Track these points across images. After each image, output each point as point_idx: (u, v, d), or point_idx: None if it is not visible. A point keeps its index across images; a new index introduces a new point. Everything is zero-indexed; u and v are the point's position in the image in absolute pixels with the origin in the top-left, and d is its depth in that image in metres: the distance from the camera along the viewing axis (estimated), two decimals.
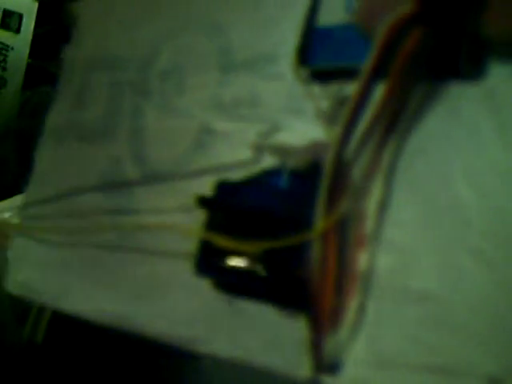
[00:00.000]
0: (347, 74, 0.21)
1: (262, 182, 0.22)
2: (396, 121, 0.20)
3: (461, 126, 0.19)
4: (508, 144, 0.18)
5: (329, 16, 0.22)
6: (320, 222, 0.19)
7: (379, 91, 0.20)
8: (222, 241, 0.21)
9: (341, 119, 0.20)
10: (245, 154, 0.22)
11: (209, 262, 0.22)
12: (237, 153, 0.23)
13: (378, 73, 0.20)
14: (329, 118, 0.21)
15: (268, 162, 0.22)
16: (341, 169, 0.20)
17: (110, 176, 0.26)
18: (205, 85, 0.24)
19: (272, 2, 0.24)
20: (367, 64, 0.20)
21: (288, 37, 0.23)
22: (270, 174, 0.22)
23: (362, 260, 0.19)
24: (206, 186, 0.23)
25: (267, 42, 0.23)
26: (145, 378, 0.41)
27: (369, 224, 0.19)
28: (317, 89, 0.22)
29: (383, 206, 0.19)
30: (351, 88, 0.20)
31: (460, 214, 0.19)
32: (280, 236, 0.20)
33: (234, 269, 0.21)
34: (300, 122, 0.22)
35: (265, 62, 0.23)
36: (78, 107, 0.28)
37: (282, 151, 0.22)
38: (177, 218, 0.23)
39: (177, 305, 0.22)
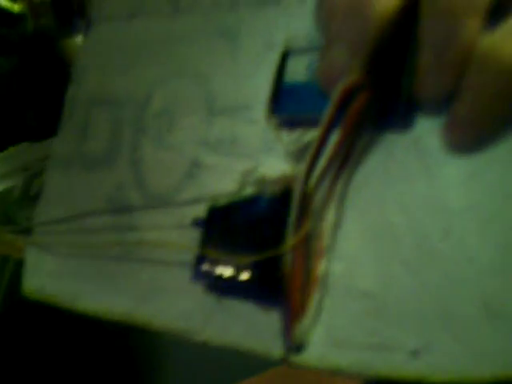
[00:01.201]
0: (309, 122, 0.27)
1: (245, 206, 0.27)
2: (347, 160, 0.26)
3: (395, 166, 0.25)
4: (430, 182, 0.25)
5: (294, 74, 0.28)
6: (290, 238, 0.25)
7: (334, 137, 0.26)
8: (215, 254, 0.27)
9: (306, 158, 0.26)
10: (228, 183, 0.28)
11: (202, 270, 0.27)
12: (221, 183, 0.28)
13: (333, 124, 0.26)
14: (296, 157, 0.27)
15: (249, 190, 0.28)
16: (305, 196, 0.26)
17: (114, 199, 0.31)
18: (193, 125, 0.30)
19: (247, 59, 0.29)
20: (325, 117, 0.25)
21: (261, 89, 0.29)
22: (252, 200, 0.27)
23: (320, 267, 0.25)
24: (197, 210, 0.29)
25: (245, 92, 0.29)
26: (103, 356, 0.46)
27: (325, 239, 0.25)
28: (285, 133, 0.28)
29: (336, 225, 0.26)
30: (313, 134, 0.26)
31: (393, 232, 0.25)
32: (262, 249, 0.26)
33: (223, 275, 0.27)
34: (273, 159, 0.28)
35: (243, 109, 0.29)
36: (83, 139, 0.34)
37: (260, 182, 0.28)
38: (173, 234, 0.29)
39: (174, 303, 0.28)
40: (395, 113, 0.25)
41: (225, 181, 0.28)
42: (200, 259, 0.27)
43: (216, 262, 0.27)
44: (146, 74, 0.32)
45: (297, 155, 0.27)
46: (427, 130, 0.25)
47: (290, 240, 0.25)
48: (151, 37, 0.32)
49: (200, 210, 0.28)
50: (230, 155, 0.29)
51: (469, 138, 0.24)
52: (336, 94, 0.25)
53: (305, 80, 0.28)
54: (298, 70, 0.28)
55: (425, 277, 0.24)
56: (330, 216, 0.26)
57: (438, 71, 0.24)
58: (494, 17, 0.24)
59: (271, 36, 0.29)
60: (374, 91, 0.25)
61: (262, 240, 0.26)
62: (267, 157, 0.28)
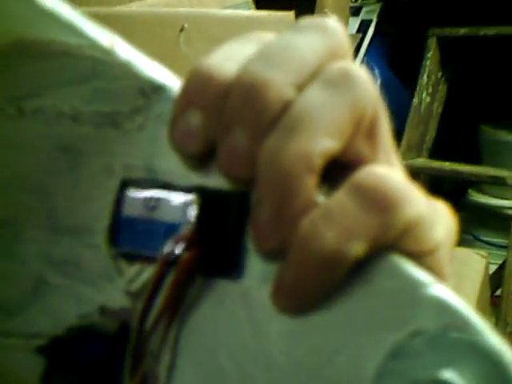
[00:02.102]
0: (147, 258, 0.28)
1: (82, 340, 0.29)
2: (179, 307, 0.28)
3: (224, 315, 0.27)
4: (256, 334, 0.27)
5: (132, 206, 0.29)
6: (126, 382, 0.27)
7: (167, 284, 0.27)
8: None
9: (142, 297, 0.28)
10: (73, 307, 0.30)
11: None
12: (66, 305, 0.30)
13: (164, 273, 0.27)
14: (134, 292, 0.29)
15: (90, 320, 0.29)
16: (142, 337, 0.27)
17: None
18: (37, 240, 0.31)
19: (87, 180, 0.30)
20: (156, 268, 0.27)
21: (102, 215, 0.30)
22: (88, 334, 0.29)
23: None
24: (42, 328, 0.30)
25: (86, 215, 0.30)
26: None
27: (160, 383, 0.28)
28: (125, 265, 0.29)
29: (171, 368, 0.28)
30: (150, 270, 0.28)
31: (224, 378, 0.27)
32: None
33: None
34: (113, 290, 0.29)
35: (85, 232, 0.30)
36: None
37: (99, 313, 0.29)
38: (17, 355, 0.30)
39: None
40: (228, 263, 0.27)
41: (69, 304, 0.30)
42: None
43: None
44: None
45: (135, 291, 0.29)
46: (256, 281, 0.27)
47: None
48: None
49: (44, 333, 0.30)
50: (73, 278, 0.30)
51: (294, 305, 0.26)
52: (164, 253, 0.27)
53: (143, 214, 0.29)
54: (136, 203, 0.29)
55: None
56: (165, 359, 0.28)
57: (276, 227, 0.25)
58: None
59: (111, 160, 0.30)
60: (206, 245, 0.27)
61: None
62: (108, 286, 0.29)
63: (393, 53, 2.17)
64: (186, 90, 0.27)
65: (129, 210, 0.29)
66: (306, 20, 0.27)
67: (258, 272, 0.27)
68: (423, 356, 0.24)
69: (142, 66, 0.30)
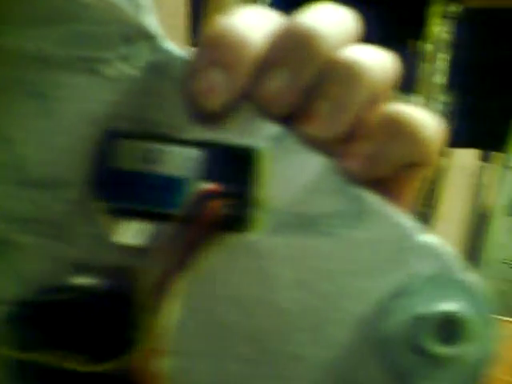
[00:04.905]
0: (143, 214, 0.27)
1: (73, 300, 0.27)
2: (189, 258, 0.27)
3: (234, 265, 0.27)
4: (264, 281, 0.27)
5: (123, 159, 0.28)
6: (141, 343, 0.26)
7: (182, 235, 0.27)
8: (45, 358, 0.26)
9: (149, 252, 0.27)
10: (45, 270, 0.27)
11: None
12: (35, 268, 0.27)
13: (186, 224, 0.27)
14: (132, 249, 0.27)
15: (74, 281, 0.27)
16: (149, 292, 0.27)
17: None
18: (4, 196, 0.27)
19: (62, 129, 0.28)
20: (178, 216, 0.27)
21: (81, 167, 0.27)
22: (79, 293, 0.27)
23: (159, 364, 0.27)
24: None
25: (61, 167, 0.27)
26: None
27: (165, 336, 0.27)
28: (114, 222, 0.27)
29: (175, 321, 0.27)
30: (154, 227, 0.27)
31: (230, 330, 0.27)
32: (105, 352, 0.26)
33: None
34: (102, 248, 0.27)
35: (60, 186, 0.27)
36: None
37: (88, 272, 0.27)
38: None
39: None
40: (238, 215, 0.28)
41: (39, 266, 0.27)
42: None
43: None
44: None
45: (133, 247, 0.27)
46: (266, 233, 0.28)
47: (142, 344, 0.26)
48: None
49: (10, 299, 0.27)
50: (44, 236, 0.27)
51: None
52: (188, 202, 0.26)
53: (139, 167, 0.27)
54: (132, 155, 0.28)
55: (259, 373, 0.27)
56: (170, 312, 0.27)
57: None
58: None
59: (89, 108, 0.28)
60: (227, 199, 0.27)
61: (103, 341, 0.26)
62: (95, 244, 0.27)
63: None
64: (211, 48, 0.27)
65: (123, 162, 0.27)
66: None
67: (265, 225, 0.28)
68: (421, 294, 0.27)
69: (128, 11, 0.28)
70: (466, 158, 1.42)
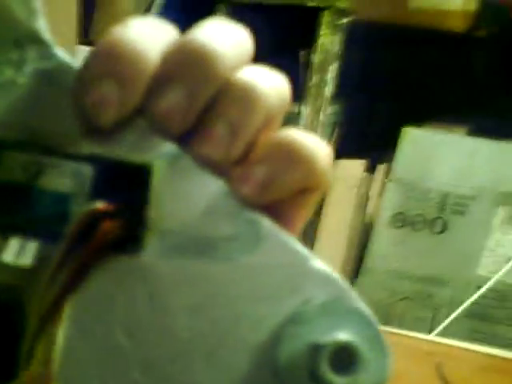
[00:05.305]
0: (30, 230, 0.26)
1: None
2: (77, 282, 0.26)
3: (122, 290, 0.26)
4: (155, 307, 0.26)
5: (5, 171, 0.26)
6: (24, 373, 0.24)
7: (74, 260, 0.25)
8: None
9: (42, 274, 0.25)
10: None
11: None
12: None
13: (72, 249, 0.25)
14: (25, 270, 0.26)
15: None
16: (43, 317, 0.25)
17: None
18: None
19: None
20: (63, 243, 0.25)
21: None
22: None
23: None
24: None
25: None
26: None
27: (55, 363, 0.25)
28: None
29: (65, 348, 0.25)
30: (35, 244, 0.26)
31: (122, 355, 0.26)
32: None
33: None
34: None
35: None
36: None
37: None
38: None
39: None
40: (127, 237, 0.26)
41: None
42: None
43: None
44: None
45: (25, 266, 0.26)
46: (156, 257, 0.26)
47: (29, 368, 0.24)
48: None
49: None
50: None
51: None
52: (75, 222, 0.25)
53: (22, 180, 0.26)
54: (14, 167, 0.26)
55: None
56: (57, 336, 0.25)
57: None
58: None
59: None
60: (119, 220, 0.26)
61: None
62: None
63: None
64: (105, 59, 0.26)
65: (5, 175, 0.26)
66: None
67: (156, 247, 0.26)
68: (315, 321, 0.27)
69: (19, 13, 0.26)
70: (352, 169, 1.44)
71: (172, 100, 0.26)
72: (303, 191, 0.28)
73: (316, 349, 0.26)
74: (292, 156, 0.27)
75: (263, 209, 0.27)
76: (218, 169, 0.27)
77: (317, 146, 0.28)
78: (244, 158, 0.27)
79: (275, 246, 0.27)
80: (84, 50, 1.28)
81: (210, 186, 0.27)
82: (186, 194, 0.27)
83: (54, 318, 0.25)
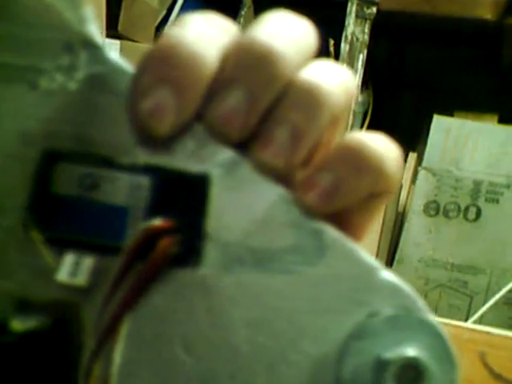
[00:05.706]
0: (85, 245, 0.25)
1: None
2: (136, 298, 0.25)
3: (181, 304, 0.25)
4: (215, 321, 0.26)
5: (63, 184, 0.25)
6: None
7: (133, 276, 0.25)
8: None
9: (98, 289, 0.25)
10: None
11: None
12: None
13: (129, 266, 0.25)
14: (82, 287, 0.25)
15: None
16: (102, 334, 0.24)
17: None
18: None
19: None
20: (120, 262, 0.24)
21: (17, 192, 0.25)
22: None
23: None
24: None
25: None
26: None
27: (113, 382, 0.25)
28: (51, 253, 0.25)
29: (123, 365, 0.25)
30: (97, 262, 0.25)
31: (181, 372, 0.25)
32: None
33: None
34: (39, 280, 0.25)
35: None
36: None
37: (23, 307, 0.25)
38: None
39: None
40: (186, 250, 0.26)
41: None
42: None
43: None
44: None
45: (83, 284, 0.25)
46: (215, 270, 0.26)
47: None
48: None
49: None
50: None
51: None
52: (134, 239, 0.24)
53: (79, 194, 0.25)
54: (71, 180, 0.25)
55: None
56: (117, 356, 0.25)
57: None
58: None
59: (26, 125, 0.25)
60: (177, 235, 0.25)
61: None
62: (31, 277, 0.25)
63: None
64: (160, 64, 0.25)
65: (61, 188, 0.25)
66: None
67: (216, 260, 0.26)
68: (381, 335, 0.26)
69: (70, 16, 0.26)
70: None
71: (232, 104, 0.25)
72: (371, 196, 0.27)
73: (382, 364, 0.25)
74: (360, 162, 0.26)
75: (328, 217, 0.26)
76: (280, 176, 0.26)
77: (386, 149, 0.26)
78: (308, 162, 0.26)
79: (339, 256, 0.26)
80: (110, 43, 1.27)
81: (271, 195, 0.26)
82: (245, 203, 0.26)
83: (112, 336, 0.25)
